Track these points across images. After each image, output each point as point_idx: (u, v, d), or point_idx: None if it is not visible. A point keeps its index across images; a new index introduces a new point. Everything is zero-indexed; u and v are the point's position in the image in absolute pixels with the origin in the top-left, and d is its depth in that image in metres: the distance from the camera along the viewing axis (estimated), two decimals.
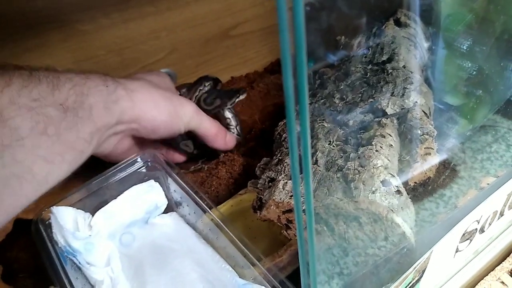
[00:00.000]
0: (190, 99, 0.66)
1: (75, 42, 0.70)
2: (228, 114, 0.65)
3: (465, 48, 0.65)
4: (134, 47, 0.77)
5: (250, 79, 0.94)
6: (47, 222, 0.47)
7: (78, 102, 0.41)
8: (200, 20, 0.82)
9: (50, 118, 0.38)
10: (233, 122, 0.66)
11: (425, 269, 0.35)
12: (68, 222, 0.47)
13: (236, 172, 0.67)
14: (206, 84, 0.72)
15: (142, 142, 0.57)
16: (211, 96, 0.66)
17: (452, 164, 0.52)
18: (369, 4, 0.71)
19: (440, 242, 0.34)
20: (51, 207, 0.46)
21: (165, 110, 0.51)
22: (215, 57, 0.89)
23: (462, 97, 0.71)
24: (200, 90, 0.71)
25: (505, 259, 0.48)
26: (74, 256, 0.46)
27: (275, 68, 0.96)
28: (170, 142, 0.62)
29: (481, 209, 0.38)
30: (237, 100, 0.66)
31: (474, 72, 0.67)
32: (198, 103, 0.64)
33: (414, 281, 0.35)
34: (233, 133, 0.67)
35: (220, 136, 0.59)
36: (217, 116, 0.64)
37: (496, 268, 0.47)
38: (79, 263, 0.46)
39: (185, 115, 0.53)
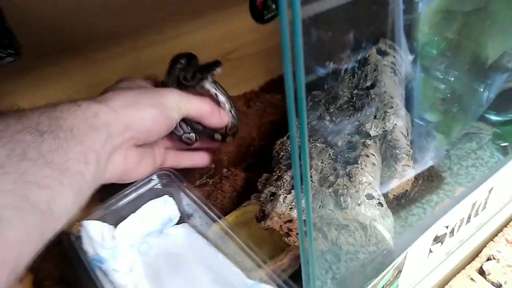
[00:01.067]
0: (172, 82, 0.60)
1: (95, 68, 0.77)
2: (212, 90, 0.60)
3: (440, 72, 0.74)
4: (143, 72, 0.84)
5: (247, 98, 1.01)
6: (77, 235, 0.54)
7: (54, 125, 0.38)
8: (202, 46, 0.90)
9: (25, 142, 0.35)
10: (222, 99, 0.61)
11: (402, 267, 0.43)
12: (96, 234, 0.54)
13: (238, 186, 0.74)
14: (182, 61, 0.65)
15: (151, 149, 0.55)
16: (189, 72, 0.61)
17: (428, 176, 0.60)
18: (355, 32, 0.80)
19: (414, 244, 0.42)
20: (82, 221, 0.53)
21: (149, 106, 0.48)
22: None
23: (439, 114, 0.80)
24: (178, 68, 0.64)
25: (474, 259, 0.56)
26: (102, 264, 0.53)
27: (270, 87, 1.04)
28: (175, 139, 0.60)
29: (450, 216, 0.46)
30: (215, 72, 0.61)
31: (449, 93, 0.76)
32: (178, 84, 0.59)
33: (393, 277, 0.43)
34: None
35: (215, 111, 0.55)
36: (201, 94, 0.59)
37: (466, 267, 0.55)
38: (107, 270, 0.53)
39: (170, 102, 0.50)
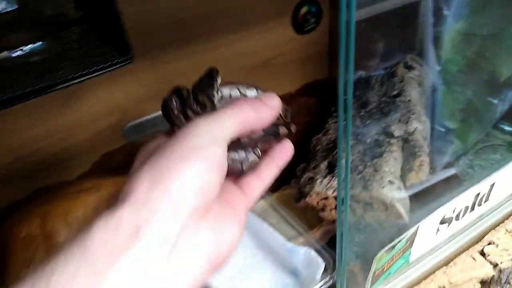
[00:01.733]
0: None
1: (161, 69, 0.92)
2: (234, 92, 0.45)
3: (459, 86, 0.85)
4: (198, 73, 0.98)
5: (284, 99, 1.14)
6: None
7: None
8: (248, 53, 1.04)
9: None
10: (250, 93, 0.45)
11: (414, 238, 0.55)
12: None
13: (277, 174, 0.87)
14: (174, 102, 0.43)
15: (221, 204, 0.34)
16: (190, 102, 0.42)
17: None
18: (387, 45, 0.92)
19: (424, 220, 0.54)
20: None
21: (186, 171, 0.30)
22: (257, 82, 1.08)
23: (458, 122, 0.91)
24: (173, 110, 0.43)
25: (477, 243, 0.67)
26: None
27: (305, 91, 1.16)
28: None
29: (455, 202, 0.57)
30: (218, 80, 0.44)
31: (466, 104, 0.87)
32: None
33: (406, 246, 0.55)
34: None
35: (256, 104, 0.38)
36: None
37: (469, 248, 0.67)
38: None
39: (201, 140, 0.32)
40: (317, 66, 1.17)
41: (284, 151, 0.45)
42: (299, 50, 1.13)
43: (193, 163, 0.29)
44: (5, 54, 0.50)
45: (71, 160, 0.94)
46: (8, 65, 0.49)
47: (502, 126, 0.94)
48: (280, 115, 0.46)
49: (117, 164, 0.96)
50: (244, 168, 0.39)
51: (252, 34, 1.03)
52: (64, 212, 0.73)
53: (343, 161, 0.45)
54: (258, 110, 0.38)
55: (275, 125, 0.43)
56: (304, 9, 1.07)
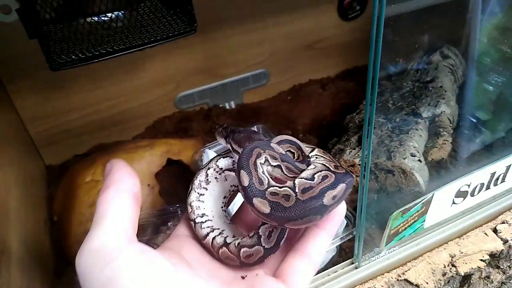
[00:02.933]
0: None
1: (211, 45, 1.02)
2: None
3: (492, 77, 0.90)
4: (246, 51, 1.08)
5: (323, 82, 1.22)
6: (199, 158, 0.79)
7: None
8: (293, 35, 1.12)
9: None
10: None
11: (429, 205, 0.62)
12: None
13: None
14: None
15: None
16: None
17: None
18: (424, 38, 0.97)
19: (440, 189, 0.61)
20: (205, 149, 0.78)
21: None
22: (300, 63, 1.18)
23: (489, 113, 0.95)
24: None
25: (491, 221, 0.73)
26: None
27: (345, 75, 1.24)
28: None
29: (471, 177, 0.64)
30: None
31: (498, 96, 0.92)
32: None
33: (422, 211, 0.62)
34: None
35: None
36: None
37: (483, 225, 0.73)
38: None
39: None
40: (358, 53, 1.23)
41: (334, 221, 0.37)
42: (342, 36, 1.20)
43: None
44: (94, 19, 0.61)
45: (127, 122, 1.06)
46: (96, 28, 0.60)
47: None
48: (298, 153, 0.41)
49: (168, 129, 1.08)
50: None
51: (300, 17, 1.12)
52: None
53: (367, 131, 0.53)
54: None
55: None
56: None
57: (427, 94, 0.80)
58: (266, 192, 0.34)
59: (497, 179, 0.69)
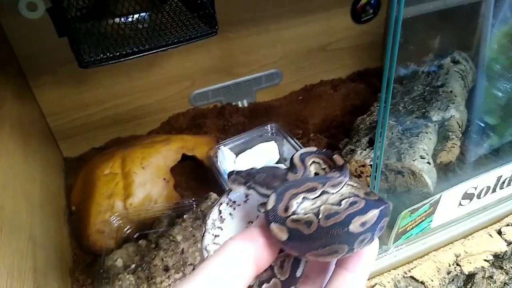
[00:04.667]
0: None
1: (227, 44, 1.04)
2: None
3: (501, 84, 0.92)
4: (260, 52, 1.10)
5: (335, 83, 1.25)
6: (214, 154, 0.82)
7: None
8: (306, 37, 1.14)
9: None
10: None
11: (437, 206, 0.65)
12: (228, 156, 0.81)
13: (321, 147, 0.98)
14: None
15: None
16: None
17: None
18: (435, 42, 0.99)
19: (447, 191, 0.64)
20: (220, 146, 0.81)
21: None
22: (311, 65, 1.21)
23: (497, 118, 0.97)
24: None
25: (496, 223, 0.76)
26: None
27: (355, 77, 1.26)
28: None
29: (477, 181, 0.67)
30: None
31: (507, 102, 0.94)
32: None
33: (429, 211, 0.65)
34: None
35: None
36: None
37: (488, 227, 0.75)
38: None
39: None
40: (370, 56, 1.26)
41: (362, 261, 0.31)
42: (354, 39, 1.22)
43: None
44: (120, 19, 0.64)
45: (143, 118, 1.10)
46: (122, 28, 0.63)
47: None
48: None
49: (182, 125, 1.11)
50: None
51: (313, 20, 1.14)
52: (141, 157, 0.88)
53: (380, 132, 0.55)
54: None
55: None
56: (364, 0, 1.16)
57: (438, 99, 0.82)
58: (288, 218, 0.30)
59: (503, 182, 0.71)
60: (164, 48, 0.63)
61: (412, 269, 0.70)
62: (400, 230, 0.65)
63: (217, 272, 0.27)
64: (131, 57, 0.59)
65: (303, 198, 0.32)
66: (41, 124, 0.97)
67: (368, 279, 0.69)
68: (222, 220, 0.38)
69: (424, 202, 0.63)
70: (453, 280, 0.71)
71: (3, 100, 0.76)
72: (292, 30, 1.13)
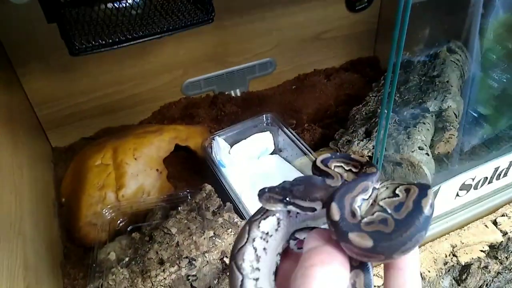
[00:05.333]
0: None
1: (220, 33, 1.02)
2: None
3: (496, 74, 0.91)
4: (254, 40, 1.08)
5: (328, 72, 1.23)
6: (208, 145, 0.80)
7: None
8: (301, 25, 1.12)
9: None
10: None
11: (435, 197, 0.64)
12: (223, 147, 0.79)
13: (316, 137, 0.97)
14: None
15: None
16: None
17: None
18: (431, 31, 0.98)
19: (446, 182, 0.63)
20: (215, 136, 0.79)
21: None
22: (306, 53, 1.19)
23: (491, 109, 0.97)
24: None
25: (492, 213, 0.76)
26: (223, 167, 0.79)
27: (349, 67, 1.24)
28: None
29: (475, 171, 0.66)
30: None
31: (501, 92, 0.93)
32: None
33: None
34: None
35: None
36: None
37: (484, 217, 0.75)
38: (225, 172, 0.79)
39: None
40: (363, 45, 1.24)
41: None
42: (348, 28, 1.20)
43: None
44: (112, 5, 0.61)
45: (134, 107, 1.07)
46: (114, 14, 0.60)
47: None
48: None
49: (174, 114, 1.08)
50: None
51: (309, 8, 1.12)
52: (133, 148, 0.86)
53: (383, 125, 0.54)
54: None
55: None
56: None
57: (434, 89, 0.81)
58: (361, 224, 0.29)
59: (500, 173, 0.70)
60: (158, 36, 0.61)
61: None
62: None
63: None
64: (123, 45, 0.57)
65: (362, 200, 0.31)
66: (29, 113, 0.94)
67: None
68: (258, 259, 0.33)
69: None
70: (449, 270, 0.70)
71: None
72: (288, 18, 1.10)
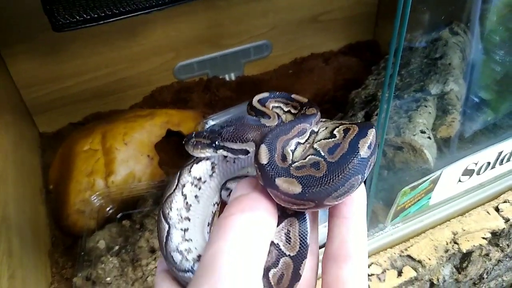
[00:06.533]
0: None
1: (215, 13, 0.99)
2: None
3: (499, 56, 0.89)
4: (250, 22, 1.05)
5: (326, 56, 1.20)
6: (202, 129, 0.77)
7: None
8: (298, 6, 1.09)
9: None
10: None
11: (437, 182, 0.62)
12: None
13: None
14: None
15: None
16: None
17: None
18: (433, 13, 0.96)
19: (449, 167, 0.61)
20: (208, 121, 0.76)
21: None
22: (303, 36, 1.16)
23: (493, 93, 0.95)
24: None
25: (494, 199, 0.74)
26: None
27: (347, 50, 1.22)
28: None
29: (478, 156, 0.64)
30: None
31: (503, 76, 0.91)
32: None
33: (428, 188, 0.62)
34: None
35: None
36: None
37: (486, 203, 0.74)
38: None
39: None
40: (362, 28, 1.21)
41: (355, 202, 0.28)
42: (347, 9, 1.17)
43: None
44: None
45: (125, 91, 1.04)
46: None
47: None
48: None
49: (165, 99, 1.05)
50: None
51: None
52: (123, 133, 0.83)
53: (384, 108, 0.52)
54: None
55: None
56: None
57: (436, 71, 0.79)
58: (291, 168, 0.26)
59: (503, 158, 0.69)
60: (147, 11, 0.58)
61: (409, 247, 0.68)
62: (399, 208, 0.63)
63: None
64: (109, 20, 0.54)
65: (297, 143, 0.29)
66: (14, 96, 0.91)
67: None
68: (188, 207, 0.31)
69: (425, 178, 0.60)
70: (449, 258, 0.69)
71: None
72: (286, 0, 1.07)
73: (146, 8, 0.57)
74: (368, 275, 0.65)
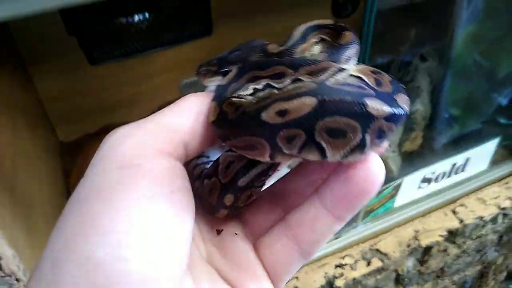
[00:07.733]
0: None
1: (215, 40, 1.13)
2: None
3: (464, 79, 1.04)
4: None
5: None
6: None
7: None
8: (292, 29, 1.24)
9: None
10: None
11: (399, 189, 0.77)
12: None
13: None
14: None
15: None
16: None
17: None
18: (405, 37, 1.11)
19: (407, 176, 0.76)
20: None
21: None
22: None
23: (460, 110, 1.10)
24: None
25: (451, 204, 0.89)
26: None
27: None
28: None
29: (435, 167, 0.79)
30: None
31: (468, 95, 1.07)
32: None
33: (392, 193, 0.77)
34: None
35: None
36: None
37: (444, 207, 0.89)
38: None
39: None
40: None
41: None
42: None
43: (125, 197, 0.20)
44: (123, 19, 0.72)
45: (134, 106, 1.18)
46: (127, 27, 0.72)
47: (497, 118, 1.14)
48: None
49: None
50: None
51: (299, 14, 1.23)
52: None
53: None
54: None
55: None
56: None
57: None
58: (227, 99, 0.24)
59: (457, 169, 0.84)
60: (164, 47, 0.73)
61: (377, 242, 0.83)
62: (368, 209, 0.77)
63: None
64: (135, 55, 0.68)
65: (266, 85, 0.25)
66: (40, 108, 1.06)
67: (340, 251, 0.82)
68: None
69: (388, 185, 0.75)
70: (412, 252, 0.84)
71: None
72: (281, 23, 1.21)
73: (162, 45, 0.72)
74: (343, 265, 0.80)
